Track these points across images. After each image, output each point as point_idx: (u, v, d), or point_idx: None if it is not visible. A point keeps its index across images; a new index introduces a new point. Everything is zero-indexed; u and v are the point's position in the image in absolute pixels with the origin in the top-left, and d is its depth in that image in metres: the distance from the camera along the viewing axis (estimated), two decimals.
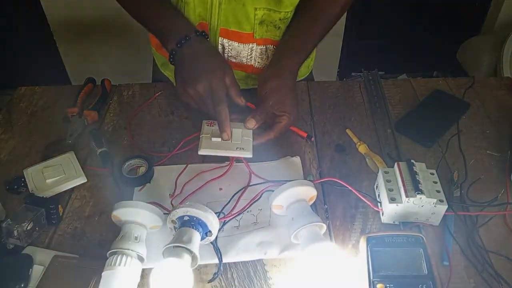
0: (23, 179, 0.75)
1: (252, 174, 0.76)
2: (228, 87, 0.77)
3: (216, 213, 0.64)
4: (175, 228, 0.63)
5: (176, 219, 0.63)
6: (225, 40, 0.85)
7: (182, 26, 0.79)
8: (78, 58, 2.17)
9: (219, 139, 0.75)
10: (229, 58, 0.88)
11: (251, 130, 0.81)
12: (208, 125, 0.79)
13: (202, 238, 0.62)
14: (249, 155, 0.75)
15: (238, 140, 0.76)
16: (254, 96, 0.94)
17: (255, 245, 0.65)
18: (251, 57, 0.88)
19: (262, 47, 0.88)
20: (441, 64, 2.46)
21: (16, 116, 0.91)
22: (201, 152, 0.75)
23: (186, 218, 0.62)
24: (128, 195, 0.74)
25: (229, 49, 0.87)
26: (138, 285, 0.60)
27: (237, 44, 0.86)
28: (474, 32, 2.31)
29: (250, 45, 0.87)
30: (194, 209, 0.61)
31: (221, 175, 0.76)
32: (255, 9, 0.81)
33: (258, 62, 0.90)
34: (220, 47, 0.86)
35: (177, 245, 0.58)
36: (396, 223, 0.68)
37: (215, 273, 0.62)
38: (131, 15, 0.85)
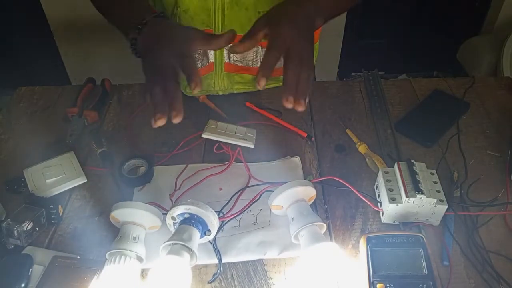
0: (23, 179, 0.75)
1: (251, 176, 0.76)
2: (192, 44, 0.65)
3: (215, 211, 0.64)
4: (174, 224, 0.64)
5: (177, 215, 0.63)
6: (230, 45, 0.85)
7: (138, 12, 0.69)
8: (78, 58, 2.17)
9: (223, 131, 0.81)
10: (235, 62, 0.88)
11: (255, 130, 0.83)
12: (213, 121, 0.83)
13: (201, 237, 0.62)
14: (251, 145, 0.80)
15: (242, 134, 0.82)
16: (254, 97, 0.94)
17: (255, 245, 0.65)
18: (257, 59, 0.89)
19: None
20: (441, 64, 2.46)
21: (16, 116, 0.91)
22: (205, 135, 0.80)
23: (186, 215, 0.62)
24: (128, 195, 0.74)
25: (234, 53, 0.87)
26: (138, 285, 0.60)
27: None
28: (474, 32, 2.31)
29: (255, 48, 0.87)
30: (195, 207, 0.61)
31: (221, 172, 0.77)
32: (258, 12, 0.81)
33: None
34: (225, 51, 0.86)
35: (177, 243, 0.58)
36: (396, 223, 0.68)
37: (214, 274, 0.62)
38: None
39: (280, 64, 0.93)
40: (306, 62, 0.61)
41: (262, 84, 0.60)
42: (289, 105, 0.59)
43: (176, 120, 0.56)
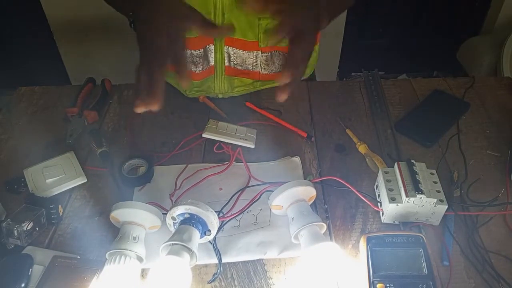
0: (23, 179, 0.75)
1: (251, 176, 0.76)
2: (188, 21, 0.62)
3: (215, 211, 0.64)
4: (174, 224, 0.64)
5: (177, 215, 0.63)
6: (230, 48, 0.85)
7: None
8: (78, 58, 2.17)
9: (224, 130, 0.82)
10: (235, 66, 0.88)
11: (256, 130, 0.84)
12: (214, 121, 0.84)
13: (201, 237, 0.62)
14: (251, 145, 0.81)
15: (242, 134, 0.82)
16: (254, 97, 0.94)
17: (255, 245, 0.65)
18: (257, 64, 0.89)
19: (267, 54, 0.88)
20: (441, 64, 2.46)
21: (16, 116, 0.91)
22: (205, 135, 0.81)
23: (186, 215, 0.62)
24: (128, 195, 0.74)
25: (234, 57, 0.87)
26: (138, 285, 0.60)
27: (242, 52, 0.86)
28: (474, 32, 2.31)
29: (255, 53, 0.87)
30: (195, 207, 0.61)
31: (221, 172, 0.77)
32: (259, 18, 0.81)
33: (264, 69, 0.90)
34: (226, 55, 0.86)
35: (177, 243, 0.58)
36: (396, 223, 0.68)
37: (214, 274, 0.62)
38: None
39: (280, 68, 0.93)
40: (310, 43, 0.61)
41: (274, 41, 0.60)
42: (285, 80, 0.57)
43: (154, 108, 0.57)
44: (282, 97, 0.59)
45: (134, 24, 0.65)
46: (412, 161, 0.69)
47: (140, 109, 0.57)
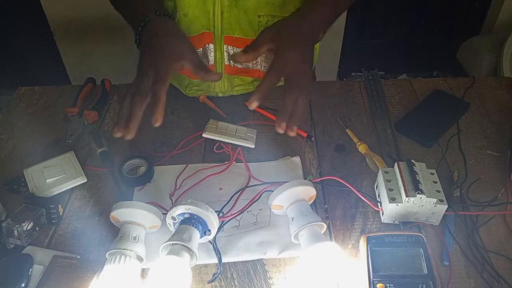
0: (23, 179, 0.75)
1: (251, 176, 0.76)
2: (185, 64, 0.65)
3: (215, 211, 0.64)
4: (174, 224, 0.64)
5: (177, 215, 0.63)
6: (230, 47, 0.86)
7: (144, 9, 0.70)
8: (78, 58, 2.17)
9: (224, 130, 0.82)
10: (235, 64, 0.88)
11: (256, 130, 0.84)
12: (214, 121, 0.84)
13: (201, 237, 0.62)
14: (251, 145, 0.81)
15: (242, 134, 0.82)
16: None
17: (255, 245, 0.65)
18: (257, 62, 0.89)
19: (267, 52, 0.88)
20: (441, 64, 2.46)
21: (16, 116, 0.91)
22: (205, 135, 0.81)
23: (186, 215, 0.62)
24: (128, 195, 0.74)
25: None
26: (138, 285, 0.60)
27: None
28: (474, 32, 2.31)
29: None
30: (195, 207, 0.61)
31: (221, 171, 0.77)
32: (259, 16, 0.81)
33: (264, 67, 0.90)
34: (225, 54, 0.86)
35: (177, 243, 0.58)
36: (396, 222, 0.68)
37: (214, 274, 0.62)
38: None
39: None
40: (305, 88, 0.62)
41: (253, 106, 0.61)
42: (280, 131, 0.60)
43: (156, 124, 0.60)
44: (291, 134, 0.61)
45: (139, 43, 0.68)
46: (412, 161, 0.69)
47: (117, 135, 0.59)
